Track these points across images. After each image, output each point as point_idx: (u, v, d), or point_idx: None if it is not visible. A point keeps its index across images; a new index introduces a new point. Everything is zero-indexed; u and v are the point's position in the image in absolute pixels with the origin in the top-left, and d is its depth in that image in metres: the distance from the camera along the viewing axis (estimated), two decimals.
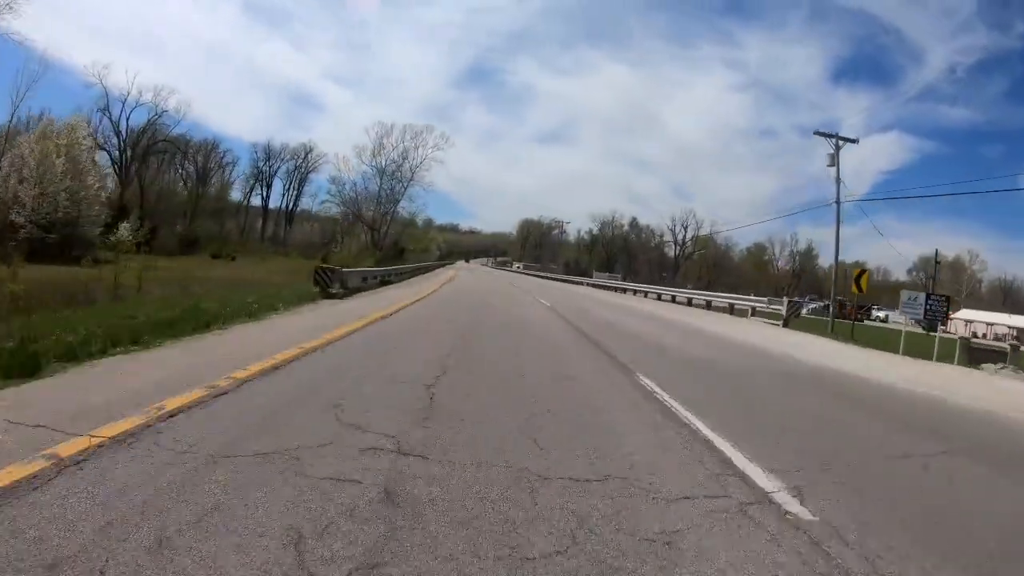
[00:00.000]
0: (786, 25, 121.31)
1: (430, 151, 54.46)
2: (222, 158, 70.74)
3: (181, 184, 63.27)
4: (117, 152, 51.96)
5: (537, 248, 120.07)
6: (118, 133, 52.20)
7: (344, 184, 55.28)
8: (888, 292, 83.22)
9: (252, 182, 74.49)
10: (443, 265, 63.78)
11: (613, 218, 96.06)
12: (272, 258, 47.31)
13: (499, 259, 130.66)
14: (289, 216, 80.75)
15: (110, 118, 52.18)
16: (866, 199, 43.75)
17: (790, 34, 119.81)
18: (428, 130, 57.95)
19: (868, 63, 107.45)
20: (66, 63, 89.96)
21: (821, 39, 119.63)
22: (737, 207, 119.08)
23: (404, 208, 56.15)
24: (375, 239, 49.85)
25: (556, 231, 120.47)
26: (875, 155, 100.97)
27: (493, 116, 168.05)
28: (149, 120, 54.09)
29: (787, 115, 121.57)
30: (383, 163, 53.91)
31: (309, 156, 75.31)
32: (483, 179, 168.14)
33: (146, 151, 54.16)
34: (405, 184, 52.91)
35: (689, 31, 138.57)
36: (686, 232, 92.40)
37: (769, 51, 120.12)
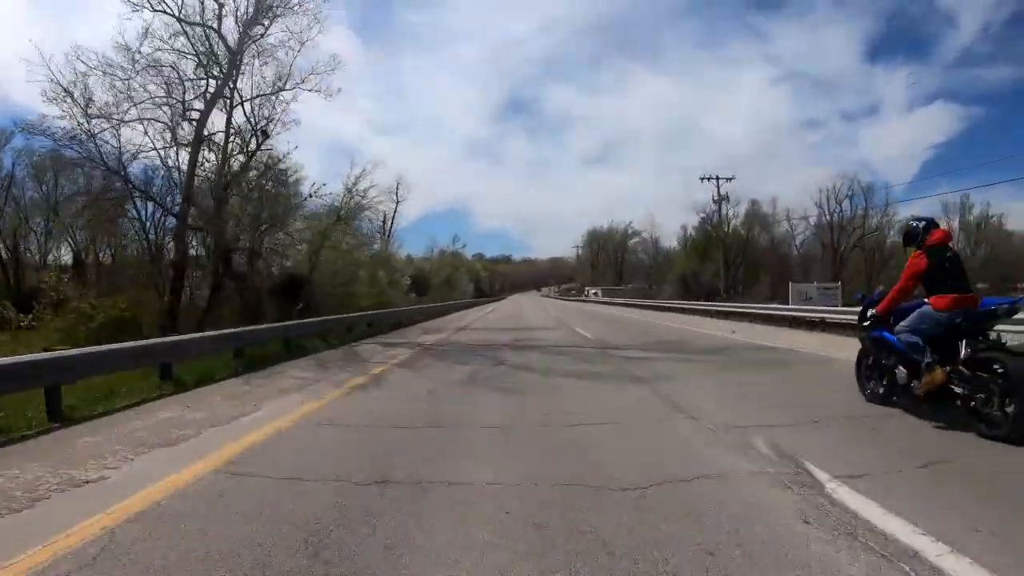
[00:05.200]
0: (814, 10, 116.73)
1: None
2: None
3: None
4: None
5: (617, 265, 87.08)
6: None
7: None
8: None
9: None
10: (443, 314, 31.31)
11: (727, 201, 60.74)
12: None
13: (564, 287, 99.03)
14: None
15: None
16: None
17: (819, 19, 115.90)
18: None
19: (901, 36, 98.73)
20: None
21: (850, 19, 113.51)
22: (789, 203, 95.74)
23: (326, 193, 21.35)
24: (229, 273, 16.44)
25: (635, 238, 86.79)
26: (923, 130, 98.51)
27: (536, 145, 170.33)
28: None
29: (829, 103, 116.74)
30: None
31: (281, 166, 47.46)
32: (534, 209, 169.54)
33: None
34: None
35: (719, 33, 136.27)
36: (841, 208, 56.33)
37: (801, 40, 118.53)
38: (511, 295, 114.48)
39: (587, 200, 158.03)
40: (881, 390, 5.07)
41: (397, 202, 56.09)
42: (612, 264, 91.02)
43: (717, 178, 38.93)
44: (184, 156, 15.16)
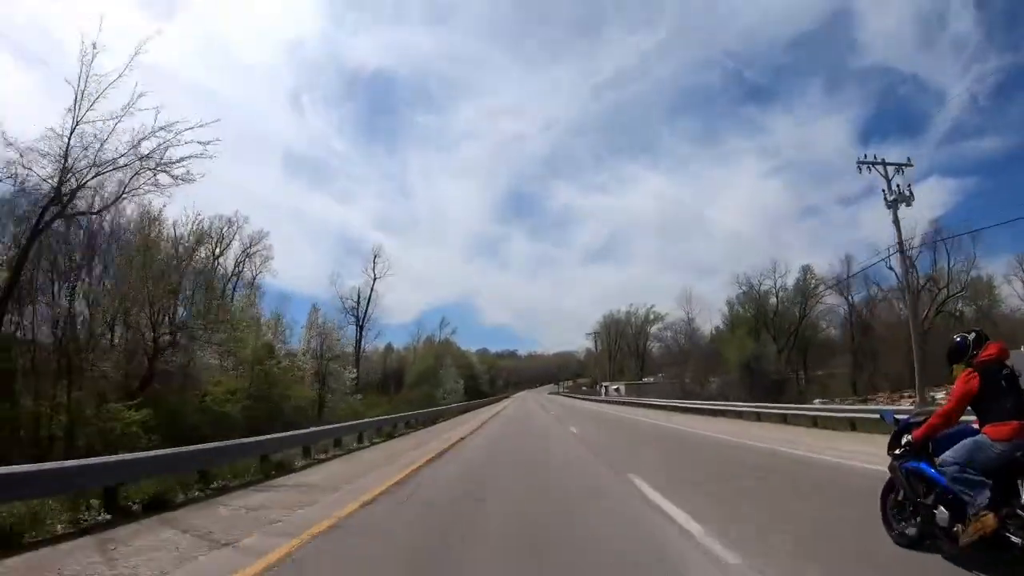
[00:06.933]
0: (805, 100, 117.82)
1: None
2: None
3: None
4: None
5: (638, 356, 74.33)
6: None
7: None
8: None
9: None
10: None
11: (775, 273, 48.81)
12: None
13: (579, 381, 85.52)
14: None
15: None
16: None
17: (810, 108, 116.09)
18: None
19: (892, 117, 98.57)
20: None
21: (842, 106, 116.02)
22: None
23: None
24: None
25: (658, 323, 74.27)
26: (919, 206, 77.74)
27: (539, 241, 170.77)
28: None
29: (825, 189, 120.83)
30: None
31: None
32: (538, 303, 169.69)
33: None
34: None
35: (715, 128, 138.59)
36: (915, 265, 43.50)
37: (794, 130, 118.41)
38: (517, 392, 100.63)
39: (591, 293, 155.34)
40: (913, 531, 3.85)
41: (375, 278, 46.97)
42: (632, 354, 78.31)
43: (884, 163, 20.91)
44: None
